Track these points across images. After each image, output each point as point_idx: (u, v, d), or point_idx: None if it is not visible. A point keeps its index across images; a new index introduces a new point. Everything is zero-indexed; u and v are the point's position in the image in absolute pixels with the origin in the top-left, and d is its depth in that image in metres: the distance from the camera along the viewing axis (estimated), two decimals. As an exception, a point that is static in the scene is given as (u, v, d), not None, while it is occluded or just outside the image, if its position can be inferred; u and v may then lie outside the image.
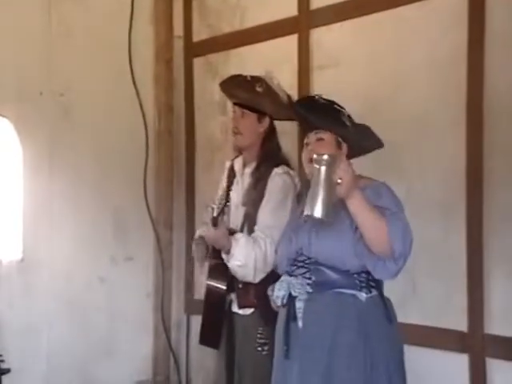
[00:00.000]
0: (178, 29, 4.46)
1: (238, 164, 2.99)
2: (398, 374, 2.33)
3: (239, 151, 2.97)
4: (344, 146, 2.43)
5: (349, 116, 2.42)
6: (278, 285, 2.41)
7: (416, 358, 2.82)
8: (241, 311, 2.83)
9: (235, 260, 2.70)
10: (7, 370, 3.51)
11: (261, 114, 2.87)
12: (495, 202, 2.99)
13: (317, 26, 3.67)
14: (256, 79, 2.88)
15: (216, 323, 2.86)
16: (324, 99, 2.44)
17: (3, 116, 3.87)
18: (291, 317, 2.36)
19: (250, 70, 4.02)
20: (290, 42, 3.78)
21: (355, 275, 2.30)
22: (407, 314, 3.14)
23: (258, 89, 2.82)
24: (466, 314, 3.06)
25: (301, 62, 3.74)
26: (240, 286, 2.81)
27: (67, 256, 4.01)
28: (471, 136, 3.04)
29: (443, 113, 3.15)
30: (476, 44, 3.00)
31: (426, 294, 3.22)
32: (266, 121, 2.89)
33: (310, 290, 2.34)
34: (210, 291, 2.85)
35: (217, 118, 4.23)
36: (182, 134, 4.48)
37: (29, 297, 3.85)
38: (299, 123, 2.60)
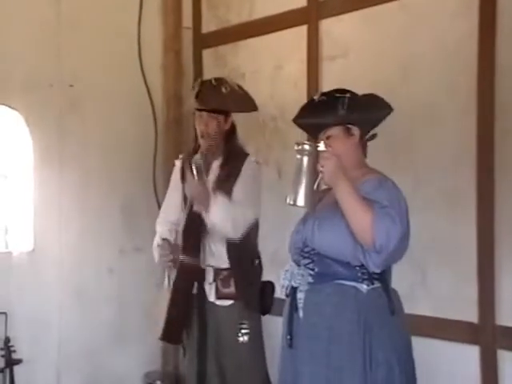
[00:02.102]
0: (187, 20, 4.45)
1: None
2: (401, 364, 2.29)
3: (206, 153, 3.01)
4: (354, 130, 2.39)
5: (350, 98, 2.36)
6: (283, 274, 2.42)
7: (426, 349, 2.82)
8: (218, 302, 2.88)
9: (214, 214, 2.76)
10: (19, 361, 3.54)
11: (227, 113, 2.98)
12: (507, 191, 2.97)
13: (326, 17, 3.67)
14: (220, 82, 2.98)
15: (182, 317, 2.89)
16: (323, 95, 2.42)
17: (13, 108, 3.88)
18: (293, 307, 2.37)
19: (259, 61, 4.05)
20: (300, 32, 3.78)
21: (357, 267, 2.29)
22: (417, 306, 3.13)
23: (224, 90, 2.93)
24: (477, 304, 3.05)
25: (310, 53, 3.73)
26: (221, 277, 2.87)
27: (77, 247, 4.02)
28: (482, 124, 3.02)
29: (453, 101, 3.13)
30: (487, 30, 2.97)
31: (436, 284, 3.21)
32: (230, 119, 3.01)
33: (312, 281, 2.34)
34: (184, 270, 2.86)
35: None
36: (191, 124, 4.46)
37: (39, 288, 3.87)
38: (306, 133, 2.62)
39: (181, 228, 2.96)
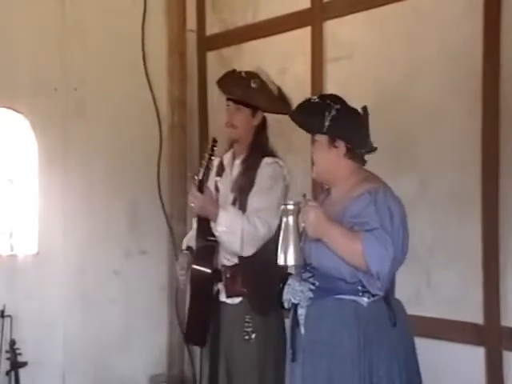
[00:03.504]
0: (191, 23, 4.46)
1: (226, 158, 3.02)
2: (402, 376, 2.27)
3: (232, 143, 3.00)
4: (338, 143, 2.36)
5: (338, 110, 2.32)
6: (285, 288, 2.42)
7: (431, 351, 2.81)
8: (229, 300, 2.85)
9: (221, 226, 2.74)
10: (24, 364, 3.54)
11: (255, 108, 2.92)
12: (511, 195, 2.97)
13: (330, 18, 3.66)
14: (251, 75, 2.91)
15: (202, 321, 2.87)
16: (318, 97, 2.41)
17: (19, 112, 3.89)
18: (295, 322, 2.37)
19: (263, 63, 4.02)
20: (304, 34, 3.78)
21: (357, 282, 2.28)
22: (422, 307, 3.13)
23: (253, 85, 2.87)
24: (482, 306, 3.04)
25: (314, 55, 3.73)
26: (228, 275, 2.84)
27: (82, 250, 4.03)
28: (487, 125, 3.01)
29: (458, 102, 3.12)
30: (492, 31, 2.97)
31: (441, 286, 3.20)
32: (259, 115, 2.94)
33: (312, 296, 2.34)
34: (195, 276, 2.84)
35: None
36: (196, 127, 4.48)
37: (44, 290, 3.88)
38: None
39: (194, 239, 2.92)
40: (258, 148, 2.92)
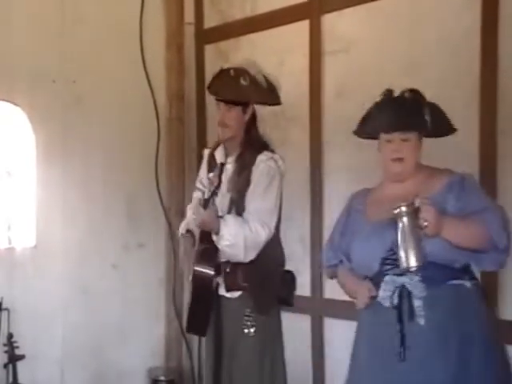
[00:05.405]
0: (189, 15, 4.45)
1: (219, 154, 3.00)
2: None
3: (224, 142, 2.98)
4: (423, 139, 2.41)
5: (430, 105, 2.38)
6: (383, 285, 2.35)
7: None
8: (228, 294, 2.86)
9: (224, 240, 2.74)
10: (22, 357, 3.54)
11: (245, 104, 2.90)
12: (509, 186, 2.97)
13: (328, 12, 3.66)
14: (239, 72, 2.86)
15: (203, 312, 2.87)
16: (409, 92, 2.40)
17: (16, 105, 3.89)
18: (407, 316, 2.30)
19: (261, 57, 4.03)
20: (302, 27, 3.77)
21: (460, 265, 2.31)
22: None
23: (243, 82, 2.83)
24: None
25: (312, 48, 3.73)
26: (227, 269, 2.84)
27: (80, 243, 4.03)
28: (485, 119, 3.01)
29: (456, 96, 3.11)
30: (490, 25, 2.97)
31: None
32: (250, 110, 2.93)
33: (424, 286, 2.30)
34: (198, 277, 2.84)
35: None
36: (194, 121, 4.48)
37: (42, 283, 3.88)
38: (377, 125, 2.46)
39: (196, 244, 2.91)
40: (251, 144, 2.91)
